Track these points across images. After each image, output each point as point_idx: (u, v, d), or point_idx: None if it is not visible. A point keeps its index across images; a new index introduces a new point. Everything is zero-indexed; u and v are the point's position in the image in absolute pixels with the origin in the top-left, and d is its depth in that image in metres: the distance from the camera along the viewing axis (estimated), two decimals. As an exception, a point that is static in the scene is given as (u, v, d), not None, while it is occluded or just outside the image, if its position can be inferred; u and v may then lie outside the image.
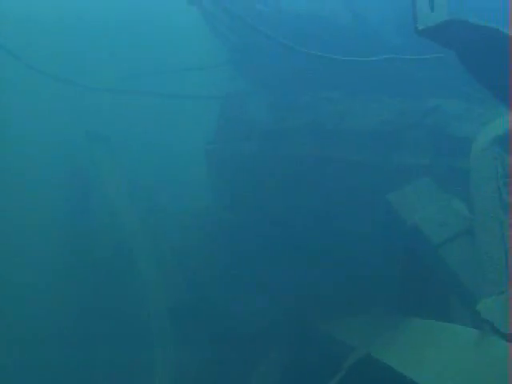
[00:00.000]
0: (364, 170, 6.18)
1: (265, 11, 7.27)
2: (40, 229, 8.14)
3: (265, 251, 6.85)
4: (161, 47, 8.54)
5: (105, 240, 8.21)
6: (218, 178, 7.63)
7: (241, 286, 7.12)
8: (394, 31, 7.67)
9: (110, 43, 8.36)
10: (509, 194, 3.42)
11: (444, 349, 3.26)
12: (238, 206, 7.37)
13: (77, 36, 8.30)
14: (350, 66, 6.79)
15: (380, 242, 5.20)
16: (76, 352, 7.16)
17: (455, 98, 6.13)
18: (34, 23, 8.34)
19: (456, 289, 4.01)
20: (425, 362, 3.33)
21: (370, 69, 6.42)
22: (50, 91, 7.85)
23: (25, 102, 8.14)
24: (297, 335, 6.51)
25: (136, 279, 7.84)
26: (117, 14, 8.40)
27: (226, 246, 7.40)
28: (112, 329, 7.35)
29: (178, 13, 7.29)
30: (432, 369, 3.23)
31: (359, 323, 4.92)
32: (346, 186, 6.27)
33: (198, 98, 8.05)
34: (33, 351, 7.32)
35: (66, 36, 8.29)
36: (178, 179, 8.46)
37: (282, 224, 6.78)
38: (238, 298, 7.08)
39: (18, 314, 7.61)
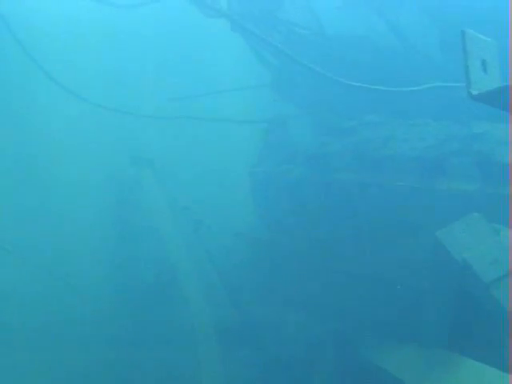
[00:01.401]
0: (408, 196, 6.14)
1: (306, 35, 7.30)
2: (86, 254, 8.27)
3: (307, 273, 6.85)
4: (204, 70, 8.63)
5: (150, 263, 8.30)
6: (261, 200, 7.71)
7: (284, 307, 7.17)
8: (437, 49, 7.64)
9: (155, 68, 8.49)
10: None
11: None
12: (280, 227, 7.41)
13: (120, 61, 8.45)
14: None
15: (428, 275, 5.17)
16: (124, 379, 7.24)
17: (502, 122, 6.06)
18: (79, 48, 8.51)
19: (506, 329, 3.97)
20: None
21: (415, 92, 6.39)
22: (95, 118, 8.00)
23: (70, 129, 8.31)
24: (341, 360, 6.52)
25: (181, 302, 7.92)
26: (159, 37, 8.52)
27: (269, 267, 7.45)
28: (159, 352, 7.40)
29: (223, 36, 7.32)
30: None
31: (410, 357, 4.89)
32: (390, 212, 6.24)
33: (242, 122, 8.11)
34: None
35: (110, 61, 8.44)
36: (222, 201, 8.52)
37: (324, 247, 6.80)
38: (281, 319, 7.14)
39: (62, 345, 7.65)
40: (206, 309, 7.73)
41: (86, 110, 7.72)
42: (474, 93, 2.33)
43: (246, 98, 8.27)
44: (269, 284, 7.45)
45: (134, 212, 8.67)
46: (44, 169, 8.35)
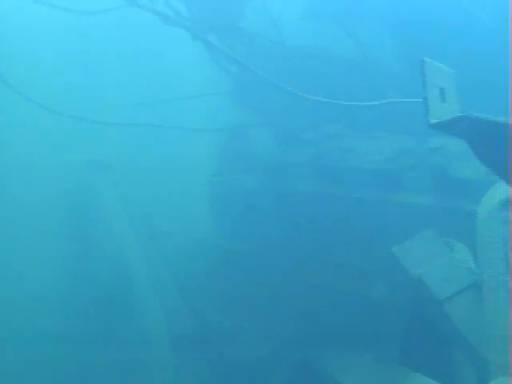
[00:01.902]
0: (365, 208, 6.21)
1: (268, 46, 7.31)
2: (40, 256, 8.15)
3: (265, 281, 6.86)
4: (161, 78, 8.57)
5: (105, 269, 8.22)
6: (220, 209, 7.69)
7: (241, 314, 7.18)
8: (396, 60, 7.74)
9: (113, 76, 8.40)
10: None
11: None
12: (239, 236, 7.42)
13: (79, 70, 8.36)
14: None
15: (384, 288, 5.24)
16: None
17: (458, 137, 6.15)
18: (36, 57, 8.39)
19: (459, 345, 4.05)
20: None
21: (374, 105, 6.45)
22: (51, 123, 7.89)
23: (25, 135, 8.19)
24: (295, 367, 6.57)
25: (137, 307, 7.87)
26: (118, 44, 8.44)
27: (226, 275, 7.46)
28: (111, 355, 7.34)
29: (184, 42, 7.28)
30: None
31: (362, 369, 4.95)
32: (347, 224, 6.31)
33: (202, 130, 8.09)
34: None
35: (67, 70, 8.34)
36: (180, 208, 8.48)
37: (281, 257, 6.83)
38: (237, 325, 7.15)
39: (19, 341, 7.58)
40: (162, 316, 7.69)
41: (43, 116, 7.59)
42: (433, 121, 2.36)
43: (206, 106, 8.24)
44: (226, 291, 7.46)
45: (89, 218, 8.57)
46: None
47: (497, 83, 6.40)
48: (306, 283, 6.67)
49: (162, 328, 7.63)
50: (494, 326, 3.21)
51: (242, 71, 7.30)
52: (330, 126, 6.89)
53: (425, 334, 4.37)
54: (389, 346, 4.85)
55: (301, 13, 7.46)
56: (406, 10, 7.03)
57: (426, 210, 5.86)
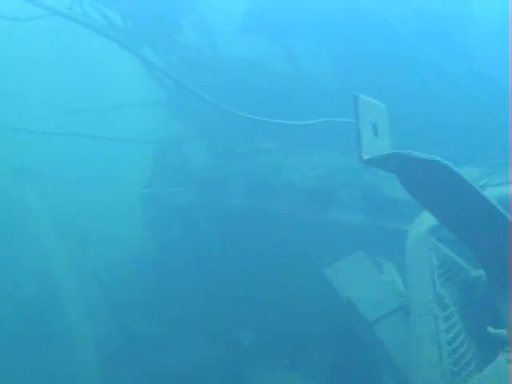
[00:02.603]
0: (297, 225, 6.24)
1: (203, 58, 7.26)
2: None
3: (194, 293, 6.84)
4: (94, 87, 8.41)
5: (31, 279, 8.00)
6: (152, 221, 7.59)
7: (169, 325, 7.12)
8: (330, 75, 7.82)
9: (46, 83, 8.19)
10: (443, 286, 3.51)
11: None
12: (170, 248, 7.34)
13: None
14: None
15: (315, 305, 5.28)
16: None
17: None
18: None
19: (387, 366, 4.10)
20: None
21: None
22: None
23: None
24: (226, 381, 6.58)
25: (62, 316, 7.70)
26: (52, 52, 8.23)
27: (157, 286, 7.37)
28: (36, 370, 7.15)
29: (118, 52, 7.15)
30: None
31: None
32: (278, 240, 6.33)
33: (135, 140, 7.97)
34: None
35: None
36: (111, 218, 8.34)
37: (214, 270, 6.80)
38: (165, 336, 7.09)
39: None
40: (88, 325, 7.54)
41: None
42: (365, 157, 2.37)
43: (140, 116, 8.13)
44: (154, 301, 7.38)
45: (16, 226, 8.32)
46: None
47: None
48: (237, 297, 6.67)
49: (89, 343, 7.46)
50: (419, 353, 3.26)
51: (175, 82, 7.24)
52: (264, 141, 6.90)
53: (355, 355, 4.41)
54: (318, 365, 4.88)
55: (237, 26, 7.44)
56: (341, 26, 7.10)
57: (357, 229, 5.93)
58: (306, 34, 7.63)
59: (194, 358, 6.77)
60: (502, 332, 3.06)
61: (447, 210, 2.68)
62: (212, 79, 7.34)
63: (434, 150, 6.84)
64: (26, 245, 8.32)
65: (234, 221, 6.74)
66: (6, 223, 8.36)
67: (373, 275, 4.43)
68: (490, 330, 3.17)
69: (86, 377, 7.16)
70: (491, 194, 4.07)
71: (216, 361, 6.65)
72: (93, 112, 8.04)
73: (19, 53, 8.23)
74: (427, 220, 3.71)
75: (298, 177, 6.41)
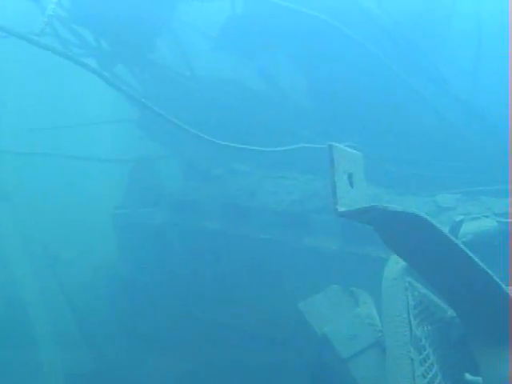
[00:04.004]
0: (271, 249, 6.17)
1: (177, 77, 7.16)
2: None
3: (165, 314, 6.81)
4: (68, 104, 8.26)
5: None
6: (124, 241, 7.47)
7: (141, 346, 7.01)
8: (304, 93, 7.77)
9: (15, 101, 8.02)
10: (420, 326, 3.44)
11: None
12: (142, 269, 7.24)
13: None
14: (262, 140, 6.82)
15: (288, 331, 5.21)
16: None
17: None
18: None
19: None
20: None
21: (283, 144, 6.43)
22: None
23: None
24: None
25: (30, 338, 7.55)
26: (20, 70, 8.06)
27: (127, 306, 7.25)
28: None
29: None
30: None
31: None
32: (252, 264, 6.26)
33: (107, 160, 7.83)
34: None
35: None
36: (81, 238, 8.20)
37: (184, 292, 6.73)
38: (138, 358, 6.97)
39: None
40: (56, 347, 7.37)
41: None
42: (341, 210, 2.29)
43: (113, 134, 7.99)
44: (125, 322, 7.23)
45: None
46: None
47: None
48: (209, 319, 6.57)
49: (57, 367, 7.33)
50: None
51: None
52: (238, 163, 6.81)
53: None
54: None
55: (212, 45, 7.36)
56: (316, 45, 7.07)
57: (332, 255, 5.87)
58: (282, 51, 7.57)
59: (166, 379, 6.72)
60: (478, 380, 3.00)
61: (424, 261, 2.62)
62: (186, 98, 7.25)
63: (408, 171, 6.86)
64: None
65: (207, 243, 6.65)
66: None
67: (348, 309, 4.35)
68: (467, 376, 3.10)
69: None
70: (468, 229, 4.03)
71: (187, 382, 6.62)
72: (65, 130, 7.89)
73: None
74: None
75: (273, 201, 6.34)
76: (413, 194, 5.91)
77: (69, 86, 8.06)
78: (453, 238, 2.52)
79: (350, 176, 2.46)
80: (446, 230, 3.90)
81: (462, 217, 3.88)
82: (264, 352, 5.85)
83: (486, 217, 4.23)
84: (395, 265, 3.62)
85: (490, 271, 2.63)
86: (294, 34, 6.98)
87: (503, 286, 2.69)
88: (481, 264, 2.59)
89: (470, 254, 2.58)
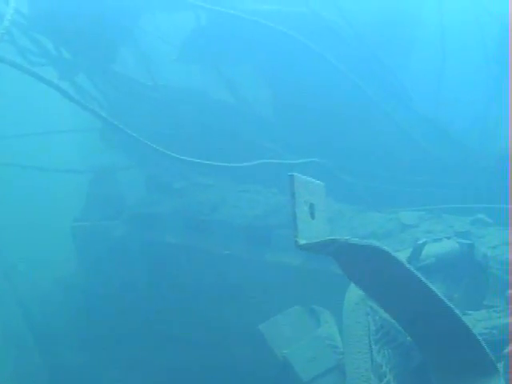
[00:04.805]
0: (234, 265, 6.10)
1: (141, 88, 7.05)
2: None
3: (123, 326, 6.73)
4: (27, 111, 8.07)
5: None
6: (83, 253, 7.33)
7: (98, 358, 6.96)
8: (269, 106, 7.74)
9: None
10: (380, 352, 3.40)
11: None
12: (101, 281, 7.11)
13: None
14: (227, 151, 6.76)
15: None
16: None
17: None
18: None
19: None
20: None
21: (248, 158, 6.38)
22: None
23: None
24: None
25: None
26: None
27: (85, 318, 7.13)
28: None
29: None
30: None
31: None
32: (212, 279, 6.19)
33: (66, 170, 7.67)
34: None
35: None
36: (39, 248, 8.03)
37: (141, 306, 6.65)
38: (95, 369, 6.95)
39: None
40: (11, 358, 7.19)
41: None
42: (301, 243, 2.22)
43: (72, 144, 7.83)
44: (82, 333, 7.18)
45: None
46: None
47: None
48: (167, 334, 6.53)
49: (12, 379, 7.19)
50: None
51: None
52: (202, 176, 6.73)
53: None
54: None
55: (174, 56, 7.27)
56: (280, 57, 7.04)
57: (294, 271, 5.83)
58: (247, 63, 7.53)
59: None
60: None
61: (385, 292, 2.58)
62: (149, 108, 7.15)
63: (372, 186, 6.85)
64: None
65: (168, 257, 6.56)
66: None
67: (309, 330, 4.29)
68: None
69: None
70: (430, 252, 4.01)
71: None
72: (22, 139, 7.70)
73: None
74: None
75: (236, 215, 6.27)
76: (376, 210, 5.91)
77: (27, 92, 7.85)
78: (413, 270, 2.49)
79: (311, 207, 2.40)
80: (408, 252, 3.92)
81: (424, 239, 3.86)
82: (223, 368, 5.79)
83: (448, 238, 4.21)
84: (357, 289, 3.57)
85: (447, 301, 2.61)
86: (258, 46, 6.93)
87: (460, 315, 2.68)
88: (439, 294, 2.57)
89: (430, 285, 2.55)
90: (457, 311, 2.68)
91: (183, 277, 6.43)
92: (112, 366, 6.93)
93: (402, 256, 3.91)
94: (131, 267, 6.79)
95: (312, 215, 2.40)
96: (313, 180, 2.46)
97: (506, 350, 3.11)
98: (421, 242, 3.85)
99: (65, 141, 7.92)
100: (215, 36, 7.04)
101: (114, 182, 7.18)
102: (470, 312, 3.67)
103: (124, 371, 6.81)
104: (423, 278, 2.52)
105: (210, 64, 7.36)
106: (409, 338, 3.48)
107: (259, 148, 7.14)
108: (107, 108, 6.79)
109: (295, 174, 2.36)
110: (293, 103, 7.32)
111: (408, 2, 7.41)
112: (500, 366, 2.90)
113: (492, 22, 7.38)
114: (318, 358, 4.10)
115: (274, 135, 7.44)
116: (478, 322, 3.53)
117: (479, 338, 2.77)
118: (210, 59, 7.29)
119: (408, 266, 2.45)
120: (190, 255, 6.40)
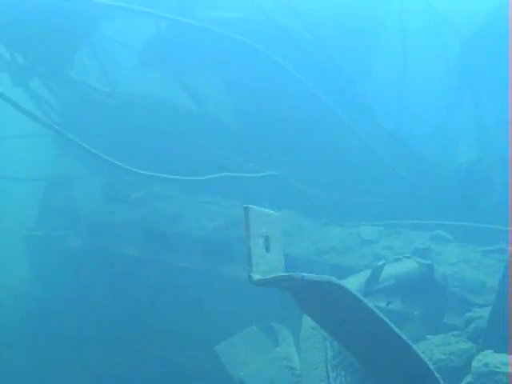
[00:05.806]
0: (192, 278, 6.01)
1: (98, 95, 6.89)
2: None
3: (79, 338, 6.65)
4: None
5: None
6: (37, 264, 7.14)
7: (50, 368, 6.80)
8: (230, 114, 7.66)
9: None
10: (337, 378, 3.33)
11: None
12: (55, 292, 6.94)
13: None
14: (187, 159, 6.66)
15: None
16: None
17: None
18: None
19: None
20: None
21: (207, 168, 6.29)
22: None
23: None
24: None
25: None
26: None
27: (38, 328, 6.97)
28: None
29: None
30: None
31: None
32: (169, 293, 6.08)
33: (20, 178, 7.46)
34: None
35: None
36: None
37: (98, 316, 6.52)
38: (46, 379, 6.80)
39: None
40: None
41: None
42: (256, 278, 2.13)
43: (26, 150, 7.61)
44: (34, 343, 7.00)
45: None
46: None
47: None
48: (117, 346, 6.47)
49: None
50: None
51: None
52: (161, 186, 6.60)
53: None
54: None
55: (133, 62, 7.13)
56: (241, 67, 6.96)
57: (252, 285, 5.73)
58: (208, 71, 7.43)
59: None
60: None
61: (341, 327, 2.51)
62: (106, 116, 7.00)
63: (333, 198, 6.81)
64: None
65: (125, 268, 6.42)
66: None
67: (267, 350, 4.21)
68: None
69: None
70: (389, 273, 3.96)
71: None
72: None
73: None
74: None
75: (195, 227, 6.17)
76: (337, 224, 5.86)
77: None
78: (371, 306, 2.42)
79: (266, 239, 2.31)
80: (368, 272, 3.86)
81: (383, 261, 3.82)
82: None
83: (407, 257, 4.17)
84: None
85: (403, 336, 2.56)
86: (217, 54, 6.84)
87: (416, 349, 2.63)
88: (396, 329, 2.51)
89: (386, 320, 2.49)
90: (412, 345, 2.62)
91: (140, 289, 6.30)
92: (61, 376, 6.78)
93: (362, 277, 3.89)
94: (87, 278, 6.63)
95: (267, 248, 2.31)
96: (269, 211, 2.38)
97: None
98: (380, 263, 3.80)
99: (18, 147, 7.69)
100: (175, 43, 6.93)
101: (70, 190, 6.99)
102: (428, 337, 3.63)
103: (73, 381, 6.68)
104: (381, 314, 2.46)
105: (170, 71, 7.23)
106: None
107: (219, 156, 7.05)
108: (62, 114, 6.61)
109: (250, 206, 2.28)
110: (253, 111, 7.26)
111: (369, 11, 7.38)
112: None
113: (453, 34, 7.40)
114: (276, 380, 4.04)
115: (235, 143, 7.36)
116: (436, 347, 3.50)
117: (432, 368, 2.73)
118: (169, 66, 7.16)
119: (365, 301, 2.37)
120: (148, 267, 6.28)
